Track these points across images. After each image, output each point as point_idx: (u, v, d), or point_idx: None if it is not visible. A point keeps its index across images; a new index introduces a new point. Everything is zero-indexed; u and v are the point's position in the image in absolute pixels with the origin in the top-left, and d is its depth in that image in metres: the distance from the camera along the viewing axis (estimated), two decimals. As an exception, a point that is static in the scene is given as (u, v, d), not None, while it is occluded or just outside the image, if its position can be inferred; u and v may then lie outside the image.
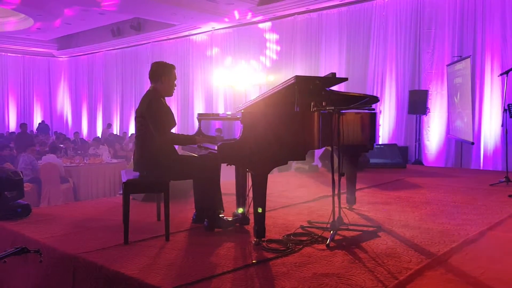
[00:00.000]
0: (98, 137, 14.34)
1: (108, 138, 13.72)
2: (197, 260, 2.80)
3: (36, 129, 17.60)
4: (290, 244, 3.06)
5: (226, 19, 12.15)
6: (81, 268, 2.84)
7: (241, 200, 3.83)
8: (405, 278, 2.48)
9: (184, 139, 3.74)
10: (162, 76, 3.51)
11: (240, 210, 3.78)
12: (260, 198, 3.13)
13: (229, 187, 4.14)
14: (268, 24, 12.10)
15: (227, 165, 3.49)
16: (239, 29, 12.76)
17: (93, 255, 2.90)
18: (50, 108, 19.76)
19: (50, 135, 15.79)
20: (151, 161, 3.42)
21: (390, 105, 9.75)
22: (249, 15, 11.67)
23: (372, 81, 10.01)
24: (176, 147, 3.67)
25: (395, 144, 8.51)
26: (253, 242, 3.14)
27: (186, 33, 13.96)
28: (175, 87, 3.63)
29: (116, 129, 16.86)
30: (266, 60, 12.22)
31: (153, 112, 3.38)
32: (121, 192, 3.52)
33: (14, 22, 14.84)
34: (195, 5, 11.14)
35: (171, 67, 3.58)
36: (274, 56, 12.05)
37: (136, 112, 3.52)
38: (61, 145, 11.27)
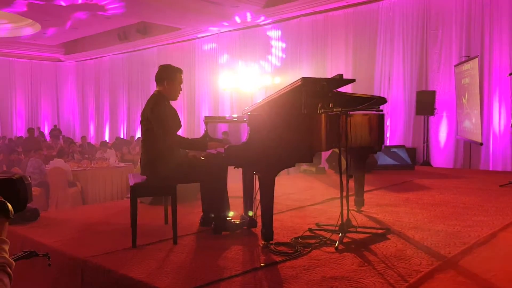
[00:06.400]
0: (106, 141, 14.39)
1: (116, 142, 13.77)
2: (205, 264, 2.79)
3: (49, 134, 17.64)
4: (299, 247, 3.03)
5: (232, 22, 12.17)
6: (89, 272, 2.84)
7: (248, 203, 3.81)
8: (416, 280, 2.45)
9: (191, 144, 3.63)
10: (166, 79, 3.49)
11: (250, 213, 3.76)
12: (268, 200, 3.12)
13: (236, 190, 4.13)
14: (273, 26, 12.11)
15: (234, 167, 3.48)
16: (245, 32, 12.78)
17: (101, 259, 2.90)
18: (57, 112, 19.89)
19: (60, 140, 15.88)
20: (157, 165, 3.42)
21: (397, 106, 9.70)
22: (255, 17, 11.68)
23: (379, 82, 9.97)
24: None
25: (403, 146, 8.46)
26: (261, 245, 3.13)
27: (192, 36, 14.01)
28: (180, 91, 3.59)
29: (123, 133, 16.93)
30: (272, 62, 12.22)
31: (157, 115, 3.37)
32: (129, 195, 3.52)
33: (22, 27, 14.97)
34: (200, 9, 11.16)
35: (177, 71, 3.54)
36: (280, 58, 12.05)
37: (141, 115, 3.51)
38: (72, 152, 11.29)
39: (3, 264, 1.18)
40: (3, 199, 1.24)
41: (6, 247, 1.23)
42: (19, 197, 1.34)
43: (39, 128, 14.04)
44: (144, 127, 3.48)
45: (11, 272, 1.20)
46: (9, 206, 1.23)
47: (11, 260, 1.21)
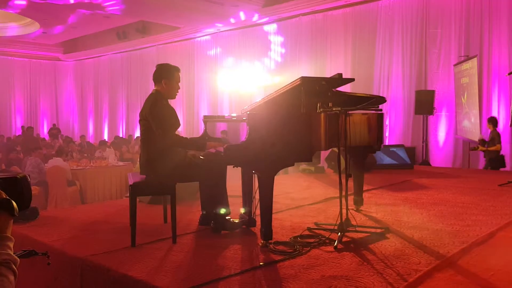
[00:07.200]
0: (105, 140, 14.38)
1: (115, 141, 13.77)
2: (204, 263, 2.79)
3: (48, 133, 17.60)
4: (298, 246, 3.03)
5: (232, 21, 12.16)
6: (89, 271, 2.84)
7: (247, 202, 3.81)
8: (415, 280, 2.46)
9: (190, 143, 3.59)
10: (163, 78, 3.48)
11: (242, 210, 3.75)
12: (267, 199, 3.12)
13: (235, 189, 4.13)
14: (273, 26, 12.11)
15: (233, 166, 3.48)
16: (244, 31, 12.77)
17: (100, 258, 2.90)
18: (56, 111, 19.88)
19: (59, 138, 15.87)
20: (156, 164, 3.41)
21: (396, 106, 9.71)
22: (255, 16, 11.67)
23: (378, 81, 9.97)
24: None
25: (402, 145, 8.47)
26: (260, 244, 3.13)
27: (191, 35, 14.00)
28: (178, 90, 3.57)
29: (122, 132, 16.92)
30: (271, 62, 12.22)
31: (155, 114, 3.36)
32: (128, 194, 3.52)
33: (21, 26, 14.95)
34: (200, 8, 11.15)
35: (174, 70, 3.52)
36: (279, 58, 12.05)
37: (140, 114, 3.50)
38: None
39: (7, 260, 1.18)
40: (8, 197, 1.25)
41: (11, 244, 1.23)
42: (23, 196, 1.36)
43: (31, 128, 14.03)
44: (143, 126, 3.47)
45: (16, 269, 1.20)
46: (14, 204, 1.25)
47: (16, 257, 1.22)
